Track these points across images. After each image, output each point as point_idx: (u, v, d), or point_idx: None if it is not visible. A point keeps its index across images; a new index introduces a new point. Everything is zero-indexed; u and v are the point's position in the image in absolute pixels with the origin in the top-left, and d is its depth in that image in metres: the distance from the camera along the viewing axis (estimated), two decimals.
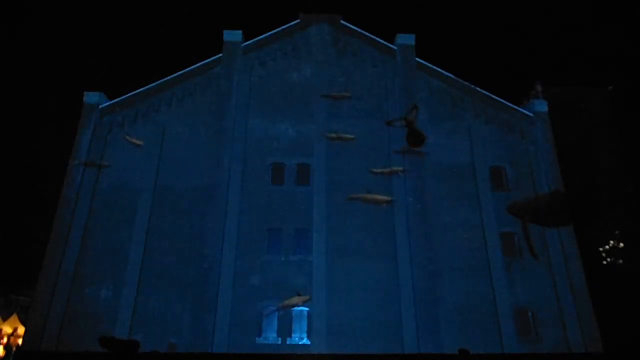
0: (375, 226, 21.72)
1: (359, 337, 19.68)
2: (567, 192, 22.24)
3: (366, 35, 25.44)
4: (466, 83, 24.93)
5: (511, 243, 21.94)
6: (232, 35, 25.08)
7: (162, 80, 24.53)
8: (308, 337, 19.95)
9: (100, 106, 24.03)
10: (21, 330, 30.22)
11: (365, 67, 24.86)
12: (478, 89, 24.84)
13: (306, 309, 20.35)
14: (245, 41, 25.18)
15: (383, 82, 24.56)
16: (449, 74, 25.03)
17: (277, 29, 25.51)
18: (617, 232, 30.80)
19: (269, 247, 21.29)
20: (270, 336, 20.06)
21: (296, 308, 20.37)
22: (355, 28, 25.55)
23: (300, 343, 19.89)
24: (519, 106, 25.10)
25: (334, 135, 21.17)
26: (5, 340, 30.65)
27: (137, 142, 21.21)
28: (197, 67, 24.67)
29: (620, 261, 30.27)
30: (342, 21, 25.65)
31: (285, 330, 20.11)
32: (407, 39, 25.46)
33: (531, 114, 24.74)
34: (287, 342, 19.92)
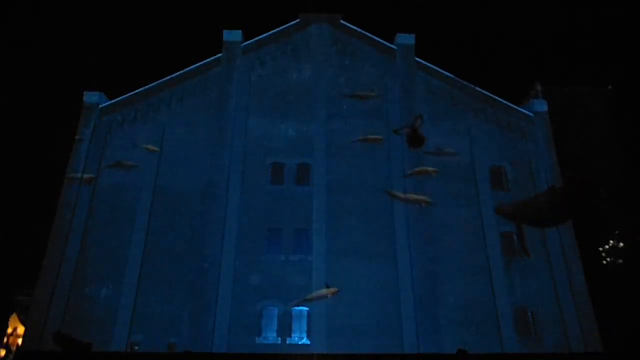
0: (375, 226, 21.72)
1: (359, 337, 19.67)
2: (562, 189, 22.24)
3: (366, 35, 25.43)
4: (466, 83, 24.93)
5: (511, 243, 21.93)
6: (232, 35, 25.07)
7: (162, 80, 24.52)
8: (308, 337, 19.96)
9: (100, 106, 24.02)
10: (21, 330, 30.22)
11: (365, 67, 24.85)
12: (478, 89, 24.84)
13: (306, 309, 20.35)
14: (245, 41, 25.17)
15: (383, 82, 24.55)
16: (449, 74, 25.03)
17: (277, 29, 25.50)
18: (617, 232, 30.79)
19: (269, 247, 21.29)
20: (270, 336, 20.06)
21: (296, 308, 20.38)
22: (355, 28, 25.55)
23: (300, 343, 19.89)
24: (519, 106, 25.10)
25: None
26: (5, 340, 30.64)
27: (153, 148, 21.22)
28: (197, 67, 24.67)
29: (620, 261, 30.26)
30: (342, 21, 25.64)
31: (285, 330, 20.11)
32: (407, 39, 25.46)
33: (531, 114, 24.75)
34: (287, 342, 19.92)
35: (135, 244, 21.10)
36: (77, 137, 23.26)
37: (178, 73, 24.57)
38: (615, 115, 32.59)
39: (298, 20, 25.66)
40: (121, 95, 24.36)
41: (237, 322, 19.90)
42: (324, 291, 18.16)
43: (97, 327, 19.81)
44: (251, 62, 24.76)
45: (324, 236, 21.24)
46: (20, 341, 27.19)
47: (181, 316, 19.92)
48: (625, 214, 30.76)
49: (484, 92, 24.88)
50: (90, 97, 24.16)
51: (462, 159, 23.30)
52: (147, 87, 24.42)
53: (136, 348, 19.62)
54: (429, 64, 25.11)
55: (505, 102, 24.96)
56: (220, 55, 24.83)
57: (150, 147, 21.17)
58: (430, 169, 20.60)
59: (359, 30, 25.53)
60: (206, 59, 24.89)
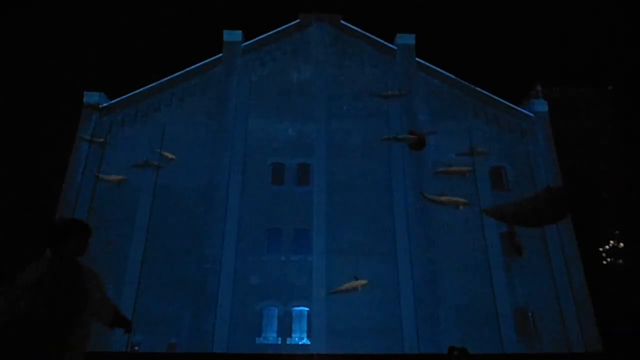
0: (375, 226, 21.71)
1: (359, 337, 19.66)
2: (556, 189, 22.32)
3: (366, 35, 25.43)
4: (466, 83, 24.93)
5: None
6: (232, 35, 25.07)
7: (162, 80, 24.52)
8: (308, 337, 19.95)
9: (100, 106, 24.02)
10: None
11: (365, 67, 24.84)
12: (478, 89, 24.84)
13: (306, 309, 20.35)
14: (245, 41, 25.17)
15: (383, 82, 24.55)
16: (449, 74, 25.03)
17: (277, 29, 25.50)
18: (617, 232, 30.80)
19: (269, 247, 21.29)
20: (270, 336, 20.06)
21: (296, 308, 20.39)
22: (355, 28, 25.55)
23: (300, 343, 19.89)
24: (519, 106, 25.10)
25: None
26: None
27: (170, 156, 21.26)
28: (197, 67, 24.67)
29: (620, 261, 30.26)
30: (342, 21, 25.64)
31: (285, 330, 20.11)
32: (407, 39, 25.46)
33: (531, 114, 24.74)
34: (287, 342, 19.92)
35: (135, 244, 21.10)
36: (77, 137, 23.24)
37: (178, 73, 24.58)
38: (615, 115, 32.60)
39: (298, 20, 25.65)
40: (121, 95, 24.36)
41: (237, 322, 19.90)
42: (354, 283, 18.63)
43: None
44: (251, 62, 24.75)
45: (324, 236, 21.23)
46: None
47: (181, 316, 19.91)
48: (625, 214, 30.76)
49: (484, 92, 24.88)
50: (90, 97, 24.16)
51: (462, 159, 23.28)
52: (147, 87, 24.42)
53: (136, 348, 19.61)
54: (429, 64, 25.11)
55: (505, 102, 24.96)
56: (220, 55, 24.83)
57: (168, 154, 21.21)
58: (464, 168, 20.67)
59: (359, 30, 25.53)
60: (206, 59, 24.90)
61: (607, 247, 30.54)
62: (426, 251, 21.12)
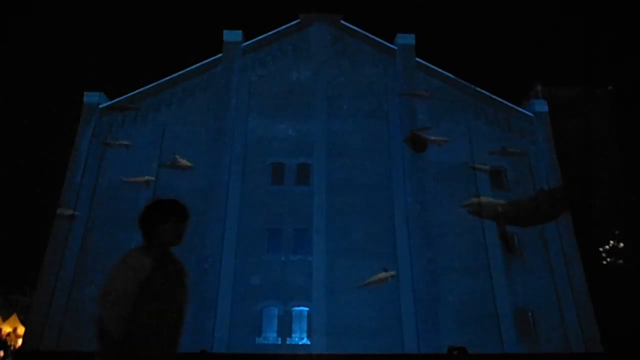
0: (375, 226, 21.71)
1: (359, 337, 19.66)
2: (548, 191, 22.43)
3: (366, 35, 25.43)
4: (466, 83, 24.93)
5: (511, 243, 21.93)
6: (232, 35, 25.06)
7: (162, 80, 24.52)
8: (308, 337, 19.95)
9: (100, 106, 24.02)
10: (21, 330, 30.22)
11: (365, 67, 24.84)
12: (478, 89, 24.84)
13: (306, 309, 20.35)
14: (245, 41, 25.17)
15: (383, 82, 24.55)
16: (449, 74, 25.03)
17: (277, 29, 25.50)
18: (617, 232, 30.79)
19: (269, 247, 21.28)
20: (270, 336, 20.06)
21: (296, 308, 20.39)
22: (355, 28, 25.54)
23: (300, 343, 19.89)
24: (519, 106, 25.10)
25: None
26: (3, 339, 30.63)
27: (187, 163, 21.31)
28: (197, 67, 24.67)
29: (620, 261, 30.25)
30: (342, 21, 25.64)
31: (285, 330, 20.11)
32: (407, 39, 25.45)
33: (531, 114, 24.75)
34: (287, 342, 19.92)
35: (135, 244, 20.99)
36: (77, 137, 23.24)
37: (178, 73, 24.57)
38: (615, 115, 32.59)
39: (298, 20, 25.65)
40: (121, 95, 24.36)
41: (237, 322, 19.89)
42: (382, 274, 19.35)
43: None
44: (251, 62, 24.75)
45: (324, 236, 21.22)
46: (20, 341, 27.18)
47: None
48: (625, 214, 30.75)
49: (484, 92, 24.88)
50: (90, 97, 24.16)
51: (462, 159, 23.29)
52: (147, 87, 24.42)
53: None
54: (429, 64, 25.11)
55: (505, 102, 24.96)
56: (220, 55, 24.83)
57: (185, 161, 21.38)
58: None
59: (359, 30, 25.53)
60: (206, 59, 24.90)
61: (607, 247, 30.52)
62: (426, 251, 21.11)
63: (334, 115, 23.55)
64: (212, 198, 21.70)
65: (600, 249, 30.48)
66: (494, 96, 24.89)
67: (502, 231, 20.87)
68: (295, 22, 25.64)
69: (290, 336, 20.09)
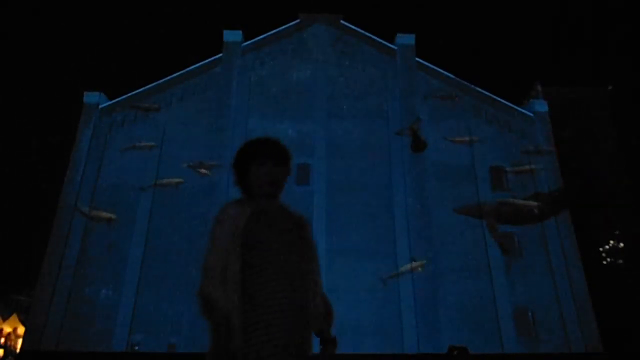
0: (375, 226, 21.71)
1: (359, 337, 19.65)
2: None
3: (366, 35, 25.42)
4: (466, 83, 24.92)
5: (511, 243, 21.94)
6: (232, 35, 25.06)
7: (162, 80, 24.51)
8: None
9: (100, 106, 24.02)
10: (21, 330, 30.23)
11: (365, 67, 24.84)
12: (478, 89, 24.83)
13: None
14: (245, 41, 25.16)
15: (383, 82, 24.55)
16: (449, 74, 25.03)
17: (277, 29, 25.49)
18: (617, 232, 30.79)
19: None
20: None
21: None
22: (355, 28, 25.54)
23: None
24: (519, 106, 25.10)
25: None
26: (3, 340, 30.65)
27: (204, 171, 21.35)
28: (197, 67, 24.67)
29: (620, 261, 30.25)
30: (342, 21, 25.63)
31: None
32: (407, 39, 25.44)
33: (531, 114, 24.74)
34: None
35: (135, 244, 21.09)
36: (77, 137, 23.25)
37: (178, 73, 24.57)
38: (615, 115, 32.59)
39: (298, 20, 25.64)
40: (121, 95, 24.35)
41: None
42: (413, 264, 19.98)
43: (97, 327, 19.81)
44: (251, 62, 24.75)
45: (324, 236, 21.21)
46: (19, 341, 27.18)
47: (181, 316, 19.90)
48: (625, 214, 30.75)
49: (484, 92, 24.88)
50: (90, 97, 24.15)
51: (462, 159, 23.29)
52: (147, 87, 24.41)
53: (136, 348, 19.61)
54: (429, 64, 25.10)
55: (505, 102, 24.95)
56: (220, 55, 24.82)
57: (202, 169, 21.48)
58: (532, 166, 21.43)
59: (359, 30, 25.52)
60: (206, 59, 24.89)
61: (607, 247, 30.53)
62: (426, 251, 21.11)
63: (334, 115, 23.55)
64: (212, 198, 21.68)
65: (600, 249, 30.48)
66: (494, 96, 24.88)
67: (494, 235, 21.08)
68: (295, 22, 25.64)
69: None
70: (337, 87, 24.15)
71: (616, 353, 22.18)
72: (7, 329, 32.12)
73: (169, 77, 24.53)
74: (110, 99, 24.35)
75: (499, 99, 24.96)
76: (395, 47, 25.24)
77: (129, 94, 24.30)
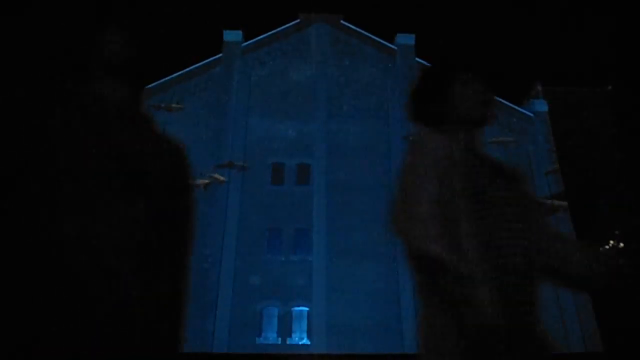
0: (375, 226, 21.70)
1: (359, 337, 19.66)
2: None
3: (366, 35, 25.44)
4: None
5: None
6: (232, 35, 25.07)
7: (162, 80, 24.51)
8: (308, 337, 19.96)
9: None
10: None
11: (365, 67, 24.85)
12: None
13: (306, 309, 20.35)
14: (245, 41, 25.17)
15: (383, 82, 24.56)
16: None
17: (277, 29, 25.51)
18: (617, 232, 30.80)
19: (269, 247, 21.29)
20: (270, 336, 20.06)
21: (296, 308, 20.38)
22: (355, 28, 25.55)
23: (300, 343, 19.90)
24: (519, 106, 25.11)
25: None
26: None
27: (221, 178, 21.40)
28: (197, 67, 24.67)
29: (621, 261, 30.22)
30: (342, 21, 25.64)
31: (285, 330, 20.11)
32: (407, 39, 25.46)
33: (531, 114, 24.76)
34: (287, 342, 19.93)
35: None
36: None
37: (178, 73, 24.57)
38: (615, 115, 32.58)
39: (298, 20, 25.65)
40: None
41: (237, 322, 19.89)
42: None
43: None
44: (251, 62, 24.76)
45: (324, 236, 21.23)
46: None
47: None
48: (625, 214, 30.74)
49: None
50: None
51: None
52: (147, 87, 24.35)
53: None
54: (429, 64, 25.07)
55: (505, 102, 24.96)
56: (220, 55, 24.83)
57: (220, 177, 21.57)
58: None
59: (359, 30, 25.53)
60: (206, 59, 24.90)
61: (607, 247, 30.51)
62: None
63: (334, 115, 23.56)
64: (211, 198, 21.70)
65: (600, 249, 30.45)
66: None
67: None
68: (295, 22, 25.65)
69: (290, 336, 20.11)
70: (337, 87, 24.16)
71: (616, 353, 22.17)
72: None
73: (169, 77, 24.53)
74: None
75: (499, 99, 24.97)
76: (395, 47, 25.25)
77: None
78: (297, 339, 20.08)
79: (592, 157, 31.18)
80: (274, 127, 23.40)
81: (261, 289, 20.53)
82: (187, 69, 24.62)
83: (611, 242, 30.81)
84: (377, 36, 25.52)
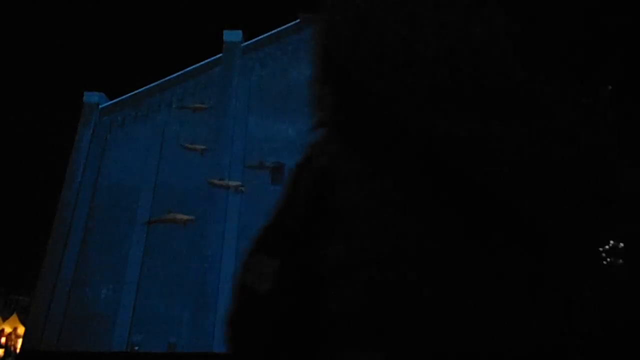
0: None
1: None
2: None
3: None
4: None
5: None
6: (232, 35, 25.08)
7: (162, 80, 24.53)
8: None
9: (100, 106, 24.03)
10: (21, 330, 30.25)
11: None
12: None
13: None
14: (245, 41, 25.18)
15: None
16: None
17: (277, 29, 25.52)
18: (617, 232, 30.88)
19: None
20: None
21: None
22: None
23: None
24: None
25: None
26: (3, 340, 30.67)
27: (240, 187, 21.45)
28: (197, 67, 24.68)
29: (620, 261, 30.32)
30: None
31: None
32: None
33: None
34: None
35: (135, 244, 21.10)
36: (77, 137, 23.28)
37: (178, 73, 24.59)
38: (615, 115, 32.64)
39: (298, 21, 25.66)
40: (121, 95, 24.38)
41: None
42: None
43: (97, 327, 19.81)
44: (251, 62, 24.77)
45: None
46: (20, 341, 27.21)
47: (181, 316, 19.92)
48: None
49: None
50: (90, 97, 24.17)
51: None
52: (147, 87, 24.43)
53: (136, 348, 19.62)
54: None
55: None
56: (220, 55, 24.84)
57: (239, 186, 21.37)
58: None
59: None
60: (206, 59, 24.92)
61: (607, 247, 30.58)
62: None
63: None
64: (212, 198, 21.70)
65: (600, 249, 30.55)
66: None
67: None
68: (295, 22, 25.66)
69: None
70: None
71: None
72: (7, 329, 32.12)
73: (169, 77, 24.55)
74: (110, 99, 24.37)
75: None
76: None
77: (129, 94, 24.32)
78: None
79: None
80: (274, 127, 23.41)
81: None
82: (187, 69, 24.64)
83: (611, 242, 30.90)
84: None
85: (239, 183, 21.57)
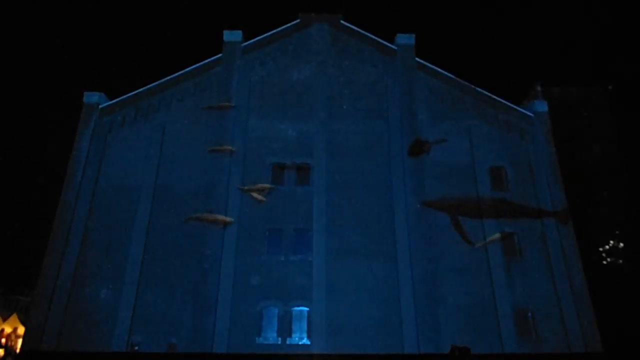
0: (375, 226, 21.71)
1: (359, 337, 19.66)
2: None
3: (366, 35, 25.42)
4: (466, 83, 24.92)
5: (511, 243, 21.94)
6: (232, 35, 25.07)
7: (162, 80, 24.51)
8: (308, 337, 19.95)
9: (100, 106, 24.02)
10: (21, 330, 30.24)
11: (365, 67, 24.84)
12: (478, 89, 24.83)
13: (306, 309, 20.35)
14: (245, 41, 25.17)
15: (383, 82, 24.55)
16: (449, 74, 25.02)
17: (277, 29, 25.50)
18: (617, 232, 30.81)
19: (269, 247, 21.28)
20: (270, 336, 20.06)
21: (296, 308, 20.38)
22: (355, 28, 25.54)
23: (300, 343, 19.89)
24: (519, 106, 25.10)
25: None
26: (3, 340, 30.66)
27: (260, 197, 21.46)
28: (197, 67, 24.67)
29: (620, 261, 30.28)
30: (342, 21, 25.64)
31: (285, 330, 20.11)
32: (407, 39, 25.45)
33: (531, 114, 24.74)
34: (287, 342, 19.92)
35: (135, 244, 21.08)
36: (77, 137, 23.25)
37: (178, 73, 24.56)
38: (615, 115, 32.60)
39: (298, 20, 25.65)
40: (121, 95, 24.35)
41: (237, 322, 19.90)
42: (492, 237, 21.36)
43: (97, 327, 19.80)
44: (251, 62, 24.76)
45: (324, 236, 21.22)
46: (20, 341, 27.19)
47: (181, 316, 19.91)
48: (625, 214, 30.76)
49: (484, 92, 24.87)
50: (90, 97, 24.16)
51: (462, 159, 23.31)
52: (147, 87, 24.41)
53: (136, 348, 19.61)
54: (429, 64, 25.09)
55: (505, 102, 24.95)
56: (220, 55, 24.83)
57: (259, 196, 21.75)
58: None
59: (359, 30, 25.52)
60: (206, 59, 24.89)
61: (607, 247, 30.55)
62: (426, 251, 21.11)
63: (334, 115, 23.56)
64: (212, 198, 21.70)
65: (600, 249, 30.50)
66: (494, 96, 24.87)
67: (454, 222, 21.65)
68: (295, 22, 25.65)
69: (290, 336, 20.09)
70: (337, 87, 24.15)
71: (616, 353, 22.18)
72: (7, 329, 32.12)
73: (169, 77, 24.53)
74: (110, 99, 24.36)
75: (499, 99, 24.96)
76: (395, 47, 25.24)
77: (129, 94, 24.30)
78: (297, 339, 20.07)
79: (592, 158, 31.20)
80: (274, 127, 23.40)
81: (261, 289, 20.52)
82: (187, 69, 24.62)
83: (611, 242, 30.83)
84: (377, 36, 25.51)
85: (268, 185, 21.91)
